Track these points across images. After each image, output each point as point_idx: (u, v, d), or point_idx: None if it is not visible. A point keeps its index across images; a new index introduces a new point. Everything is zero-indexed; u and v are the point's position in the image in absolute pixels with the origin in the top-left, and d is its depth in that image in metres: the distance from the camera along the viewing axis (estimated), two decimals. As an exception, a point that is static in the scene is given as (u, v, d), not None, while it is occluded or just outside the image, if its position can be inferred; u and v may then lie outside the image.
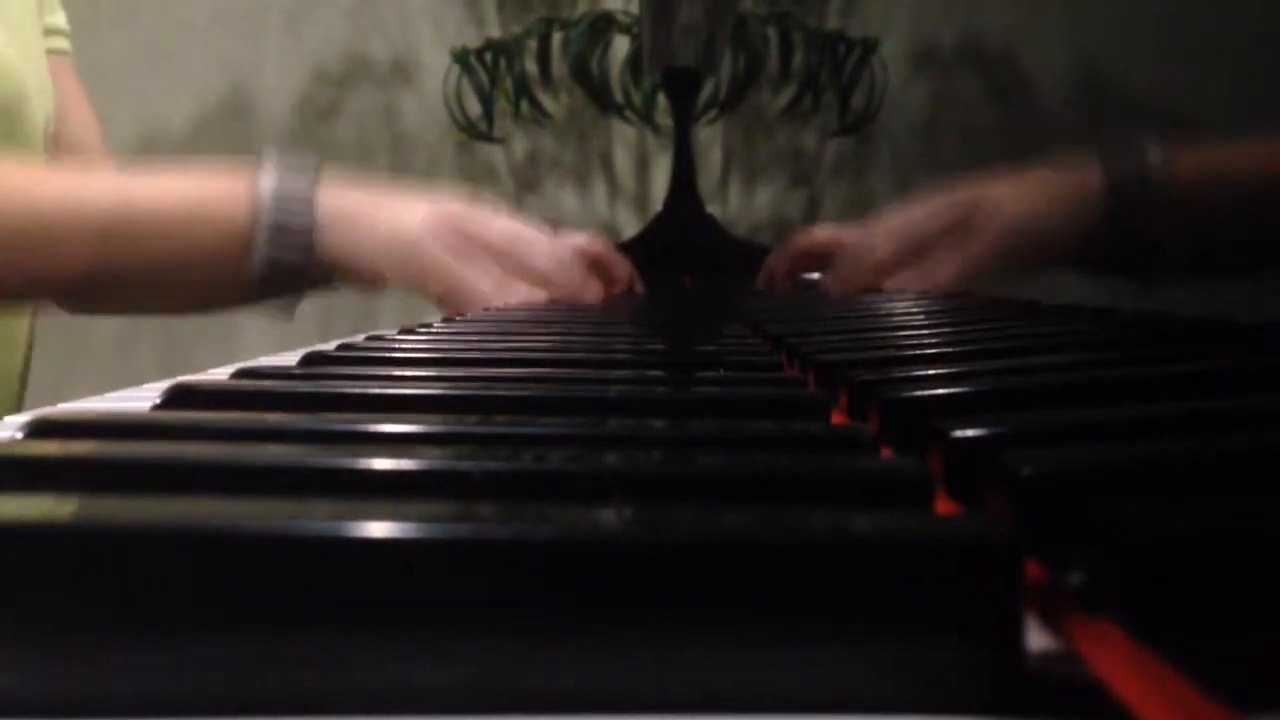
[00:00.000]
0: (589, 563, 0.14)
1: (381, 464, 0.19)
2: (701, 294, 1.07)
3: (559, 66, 1.62)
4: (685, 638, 0.14)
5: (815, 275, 0.88)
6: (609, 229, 1.63)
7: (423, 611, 0.14)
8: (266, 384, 0.30)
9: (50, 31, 0.87)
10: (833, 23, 1.63)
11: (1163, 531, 0.14)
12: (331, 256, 0.71)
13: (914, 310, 0.58)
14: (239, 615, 0.14)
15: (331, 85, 1.66)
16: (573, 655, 0.14)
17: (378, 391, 0.29)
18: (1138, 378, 0.29)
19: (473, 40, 1.60)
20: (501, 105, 1.59)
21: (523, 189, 1.67)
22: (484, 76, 1.57)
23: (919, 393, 0.26)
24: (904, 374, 0.30)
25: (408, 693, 0.14)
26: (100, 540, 0.14)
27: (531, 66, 1.61)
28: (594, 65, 1.56)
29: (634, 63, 1.55)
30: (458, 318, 0.61)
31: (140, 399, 0.34)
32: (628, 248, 1.32)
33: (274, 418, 0.25)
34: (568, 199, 1.67)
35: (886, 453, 0.23)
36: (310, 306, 0.76)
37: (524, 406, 0.27)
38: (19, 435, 0.22)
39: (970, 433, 0.21)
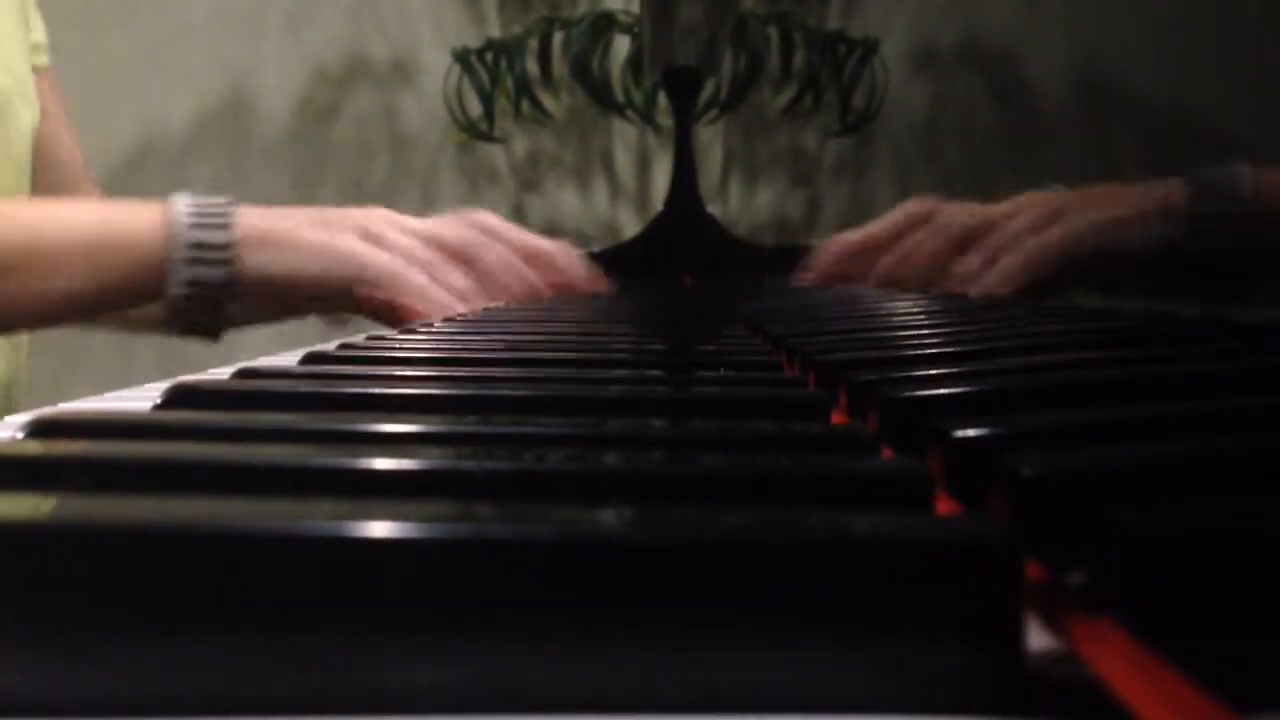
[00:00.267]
0: (589, 563, 0.14)
1: (382, 464, 0.19)
2: (702, 294, 1.07)
3: (559, 66, 1.62)
4: (685, 638, 0.14)
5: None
6: (610, 229, 1.64)
7: (423, 611, 0.14)
8: (267, 384, 0.30)
9: (31, 46, 0.87)
10: (833, 23, 1.63)
11: (1163, 532, 0.14)
12: (255, 272, 0.68)
13: (914, 310, 0.58)
14: (239, 615, 0.14)
15: (331, 85, 1.66)
16: (573, 655, 0.14)
17: (378, 391, 0.29)
18: (1138, 378, 0.29)
19: (473, 40, 1.59)
20: (502, 105, 1.59)
21: (523, 189, 1.67)
22: (484, 76, 1.57)
23: (919, 393, 0.26)
24: (904, 374, 0.30)
25: (408, 693, 0.14)
26: (101, 540, 0.14)
27: (532, 66, 1.61)
28: (595, 65, 1.56)
29: (635, 62, 1.55)
30: (416, 324, 0.58)
31: (141, 399, 0.34)
32: (628, 248, 1.32)
33: (275, 418, 0.25)
34: (568, 199, 1.67)
35: (886, 453, 0.23)
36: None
37: (524, 406, 0.28)
38: (19, 435, 0.23)
39: (970, 433, 0.21)
